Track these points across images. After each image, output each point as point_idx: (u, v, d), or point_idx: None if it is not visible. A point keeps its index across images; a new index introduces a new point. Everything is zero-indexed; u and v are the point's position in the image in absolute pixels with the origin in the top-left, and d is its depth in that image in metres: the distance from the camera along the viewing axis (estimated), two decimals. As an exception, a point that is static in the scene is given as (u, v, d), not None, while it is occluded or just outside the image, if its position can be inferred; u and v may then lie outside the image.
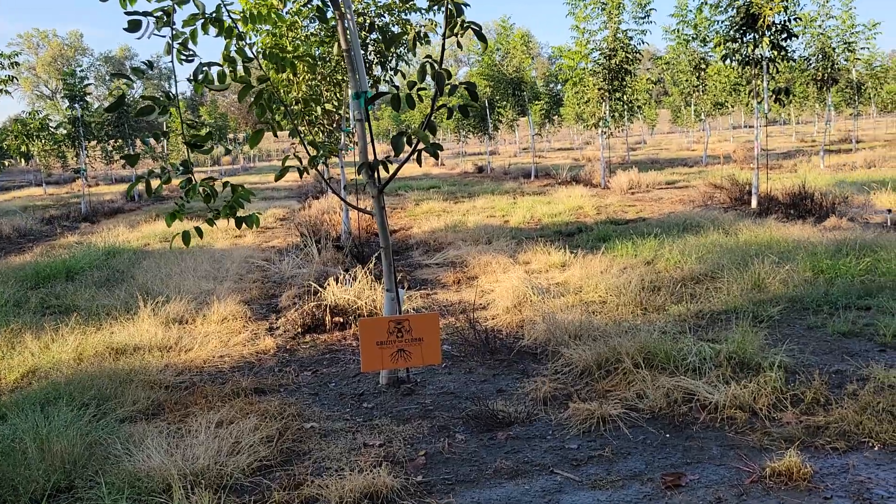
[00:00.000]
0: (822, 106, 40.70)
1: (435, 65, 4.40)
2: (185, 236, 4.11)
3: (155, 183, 4.19)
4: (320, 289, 7.25)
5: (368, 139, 4.85)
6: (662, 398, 4.29)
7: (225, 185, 4.29)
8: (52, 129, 27.94)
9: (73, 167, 31.63)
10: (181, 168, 4.24)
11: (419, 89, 4.51)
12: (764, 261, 7.41)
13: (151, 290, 8.45)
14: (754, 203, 13.57)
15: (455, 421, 4.40)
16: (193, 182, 4.13)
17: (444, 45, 4.50)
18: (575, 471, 3.66)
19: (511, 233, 12.13)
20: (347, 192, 14.35)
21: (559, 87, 38.41)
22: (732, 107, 34.41)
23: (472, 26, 4.45)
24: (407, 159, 4.65)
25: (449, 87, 4.47)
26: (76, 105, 23.81)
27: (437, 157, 4.64)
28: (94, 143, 30.00)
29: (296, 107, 8.29)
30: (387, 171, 4.80)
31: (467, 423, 4.33)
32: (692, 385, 4.36)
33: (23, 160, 34.78)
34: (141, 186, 4.24)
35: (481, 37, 4.53)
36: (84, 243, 14.03)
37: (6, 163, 22.37)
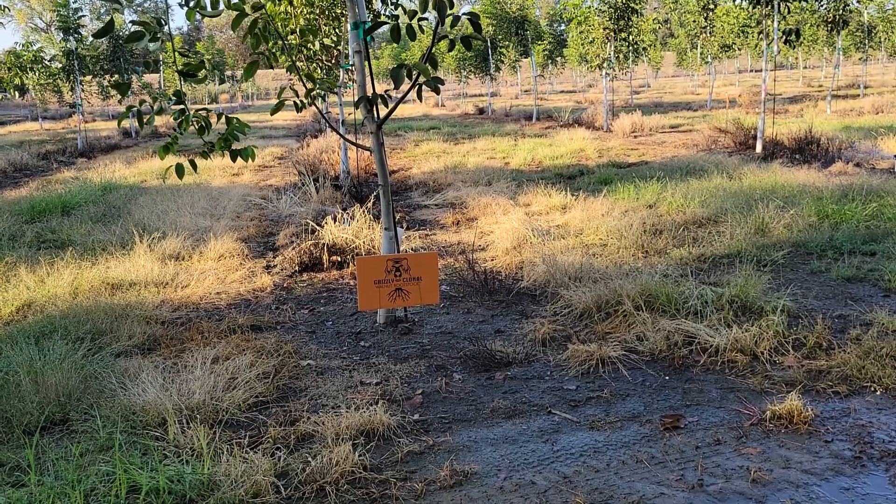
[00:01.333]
0: (831, 50, 39.92)
1: (437, -7, 4.21)
2: (179, 169, 4.00)
3: (147, 115, 4.05)
4: (318, 227, 7.16)
5: (367, 73, 4.69)
6: (662, 341, 4.24)
7: (219, 116, 4.15)
8: (47, 62, 27.39)
9: (68, 102, 31.16)
10: (173, 98, 4.09)
11: (420, 19, 4.33)
12: (769, 205, 7.30)
13: (148, 227, 8.36)
14: (759, 147, 13.39)
15: (452, 361, 4.37)
16: (187, 113, 3.99)
17: (447, -29, 4.30)
18: (573, 411, 3.64)
19: (512, 175, 11.98)
20: (346, 131, 14.12)
21: (563, 27, 37.64)
22: (739, 49, 33.76)
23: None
24: (407, 93, 4.50)
25: (451, 17, 4.28)
26: (70, 37, 23.26)
27: (437, 91, 4.49)
28: (89, 77, 29.46)
29: (292, 37, 8.04)
30: (386, 106, 4.65)
31: (465, 363, 4.30)
32: (693, 328, 4.32)
33: (17, 94, 34.20)
34: (131, 121, 4.11)
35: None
36: (80, 179, 13.88)
37: (0, 96, 21.97)
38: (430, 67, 4.29)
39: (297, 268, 6.74)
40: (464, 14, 4.33)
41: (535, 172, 12.51)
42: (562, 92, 53.64)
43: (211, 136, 4.32)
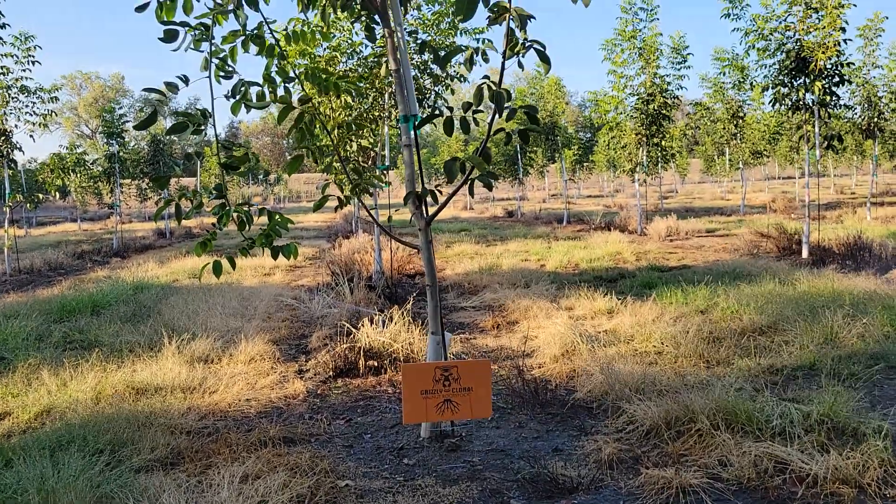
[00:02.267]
0: (861, 158, 39.88)
1: (493, 85, 4.00)
2: (217, 266, 3.70)
3: (186, 206, 3.81)
4: (353, 329, 6.80)
5: (417, 167, 4.45)
6: (750, 467, 3.73)
7: (261, 211, 3.89)
8: (89, 165, 28.17)
9: (107, 203, 31.86)
10: (214, 192, 3.86)
11: (475, 112, 4.11)
12: (836, 313, 6.81)
13: (177, 327, 8.06)
14: (805, 253, 12.96)
15: (508, 484, 3.88)
16: (227, 207, 3.74)
17: (503, 62, 4.10)
18: (656, 552, 3.12)
19: (549, 277, 11.62)
20: (380, 233, 13.99)
21: (589, 134, 38.21)
22: (768, 157, 33.84)
23: (536, 45, 4.06)
24: (459, 187, 4.23)
25: (508, 109, 4.06)
26: (113, 141, 23.96)
27: (490, 187, 4.21)
28: (129, 180, 30.23)
29: (335, 132, 7.96)
30: (435, 201, 4.38)
31: (523, 488, 3.81)
32: (783, 452, 3.80)
33: (58, 195, 35.11)
34: (166, 222, 3.87)
35: (544, 58, 4.12)
36: (113, 278, 13.79)
37: (40, 196, 22.45)
38: (483, 161, 4.03)
39: (331, 373, 6.34)
40: (521, 108, 4.11)
41: (573, 275, 12.16)
42: (589, 196, 54.06)
43: (250, 232, 4.05)
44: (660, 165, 25.05)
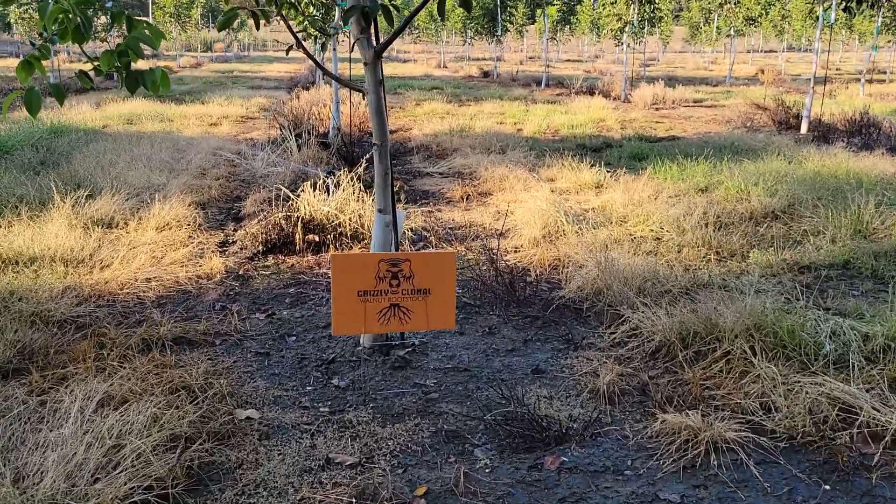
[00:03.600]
0: (847, 34, 38.03)
1: None
2: (32, 98, 2.38)
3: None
4: (291, 195, 5.57)
5: (364, -29, 3.06)
6: (804, 414, 2.71)
7: (115, 17, 2.50)
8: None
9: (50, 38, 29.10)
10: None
11: None
12: (868, 198, 5.72)
13: (84, 180, 6.74)
14: (804, 128, 11.86)
15: (472, 424, 2.83)
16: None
17: None
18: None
19: (526, 143, 10.35)
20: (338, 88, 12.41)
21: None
22: (758, 25, 31.97)
23: None
24: (422, 6, 2.89)
25: None
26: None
27: (469, 7, 2.89)
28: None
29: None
30: (389, 23, 3.04)
31: (492, 432, 2.77)
32: (845, 394, 2.79)
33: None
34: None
35: None
36: (37, 119, 12.15)
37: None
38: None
39: (260, 248, 5.16)
40: None
41: (554, 141, 10.90)
42: (568, 60, 51.57)
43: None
44: (646, 29, 23.26)
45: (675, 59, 54.93)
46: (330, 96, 14.24)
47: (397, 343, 3.45)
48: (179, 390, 2.90)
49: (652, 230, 5.62)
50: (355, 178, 5.74)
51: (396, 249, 3.31)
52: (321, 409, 2.90)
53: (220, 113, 14.30)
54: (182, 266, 4.72)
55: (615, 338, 3.55)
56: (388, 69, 33.48)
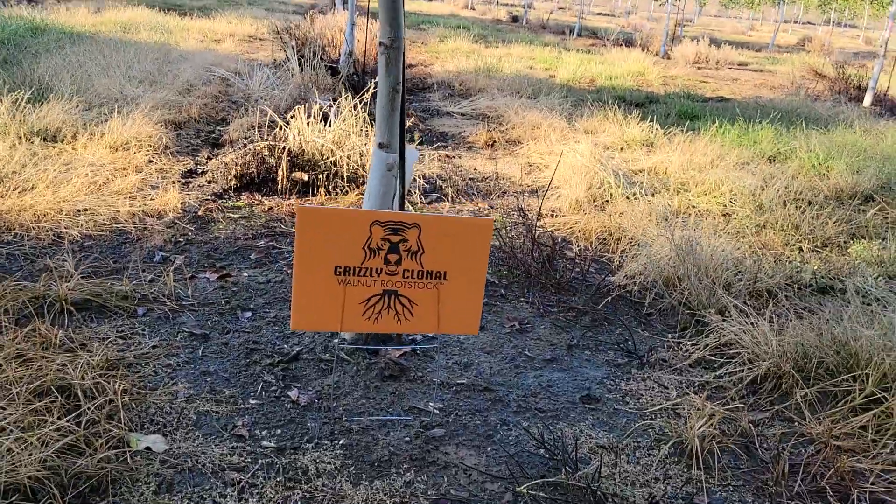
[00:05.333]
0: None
1: None
2: None
3: None
4: (280, 120, 4.49)
5: None
6: None
7: None
8: None
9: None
10: None
11: None
12: None
13: (48, 85, 5.66)
14: (868, 100, 10.67)
15: (497, 491, 1.82)
16: None
17: None
18: None
19: (560, 90, 9.18)
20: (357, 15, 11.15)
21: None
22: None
23: None
24: None
25: None
26: None
27: None
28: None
29: None
30: None
31: (525, 504, 1.76)
32: None
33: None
34: None
35: None
36: (25, 17, 10.96)
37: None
38: None
39: (233, 182, 4.11)
40: None
41: (590, 92, 9.70)
42: (600, 14, 49.51)
43: None
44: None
45: (711, 23, 52.76)
46: (346, 22, 13.02)
47: (388, 337, 2.42)
48: (52, 392, 1.89)
49: (718, 201, 4.54)
50: (360, 108, 4.64)
51: (402, 205, 2.26)
52: (264, 444, 1.88)
53: (226, 30, 13.12)
54: (129, 198, 3.68)
55: (697, 355, 2.52)
56: (412, 6, 31.80)
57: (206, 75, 7.87)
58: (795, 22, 60.02)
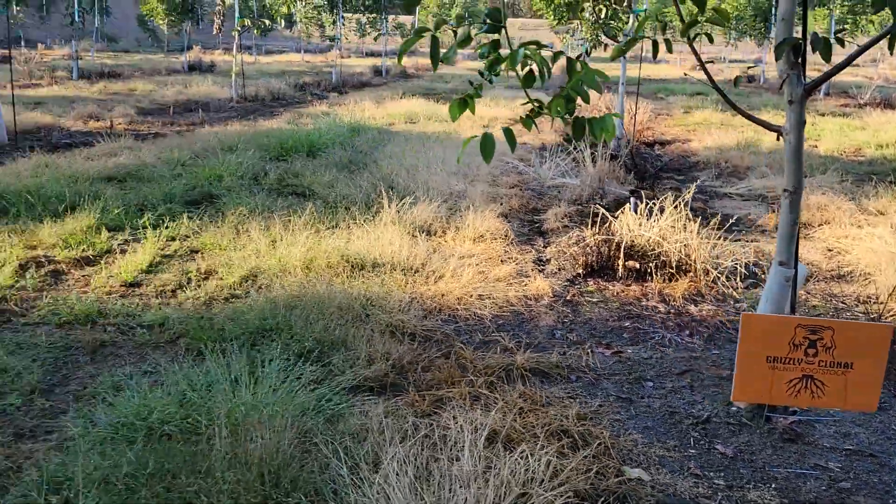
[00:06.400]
0: None
1: None
2: (487, 143, 2.38)
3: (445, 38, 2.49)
4: (610, 216, 5.38)
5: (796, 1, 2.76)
6: None
7: (556, 56, 2.45)
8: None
9: (328, 35, 31.80)
10: (486, 23, 2.46)
11: None
12: None
13: (396, 184, 7.10)
14: None
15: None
16: (513, 49, 2.34)
17: None
18: None
19: (827, 162, 9.32)
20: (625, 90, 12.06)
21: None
22: None
23: None
24: (880, 38, 2.52)
25: None
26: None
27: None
28: (350, 14, 29.83)
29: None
30: (825, 58, 2.70)
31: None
32: None
33: (283, 23, 35.71)
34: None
35: None
36: (330, 115, 13.21)
37: (267, 23, 22.53)
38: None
39: (580, 270, 5.04)
40: None
41: (861, 164, 9.71)
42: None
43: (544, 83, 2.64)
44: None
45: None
46: (606, 104, 13.98)
47: (780, 410, 3.11)
48: (560, 435, 2.82)
49: None
50: (682, 205, 5.40)
51: (793, 309, 2.97)
52: (715, 482, 2.66)
53: (488, 115, 14.58)
54: (508, 284, 4.72)
55: None
56: (635, 70, 32.40)
57: (500, 165, 9.11)
58: None
